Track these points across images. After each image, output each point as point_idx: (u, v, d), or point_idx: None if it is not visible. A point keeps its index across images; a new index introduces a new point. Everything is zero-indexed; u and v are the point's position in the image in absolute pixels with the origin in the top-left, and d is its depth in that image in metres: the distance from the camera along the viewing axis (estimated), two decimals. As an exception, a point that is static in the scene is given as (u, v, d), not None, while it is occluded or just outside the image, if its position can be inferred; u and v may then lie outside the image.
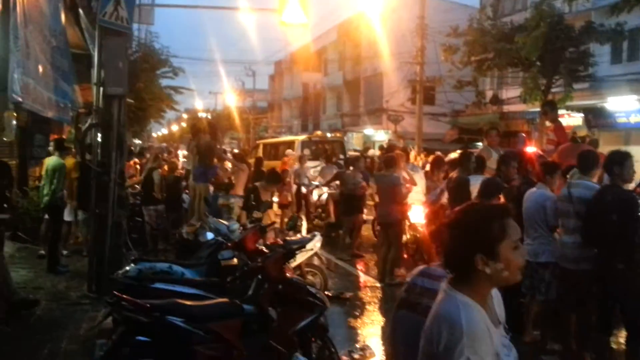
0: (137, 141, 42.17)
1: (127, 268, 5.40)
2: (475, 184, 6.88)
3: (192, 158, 11.07)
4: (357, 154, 17.69)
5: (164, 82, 28.12)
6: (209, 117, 55.51)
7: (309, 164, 15.39)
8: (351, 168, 11.73)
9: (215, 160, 11.13)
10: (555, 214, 5.43)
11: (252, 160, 14.91)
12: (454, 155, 10.21)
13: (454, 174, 7.21)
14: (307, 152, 17.90)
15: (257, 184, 8.54)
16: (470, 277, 1.88)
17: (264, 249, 5.54)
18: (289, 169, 13.67)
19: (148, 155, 12.78)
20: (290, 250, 4.87)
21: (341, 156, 16.76)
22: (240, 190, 11.40)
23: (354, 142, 31.77)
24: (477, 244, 1.85)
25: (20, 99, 4.21)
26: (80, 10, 8.40)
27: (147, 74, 22.58)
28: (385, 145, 16.38)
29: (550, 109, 8.34)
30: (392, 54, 29.87)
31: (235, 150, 24.87)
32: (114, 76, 7.00)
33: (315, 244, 6.92)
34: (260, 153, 19.76)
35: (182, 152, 22.99)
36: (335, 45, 41.21)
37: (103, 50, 7.04)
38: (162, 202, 10.80)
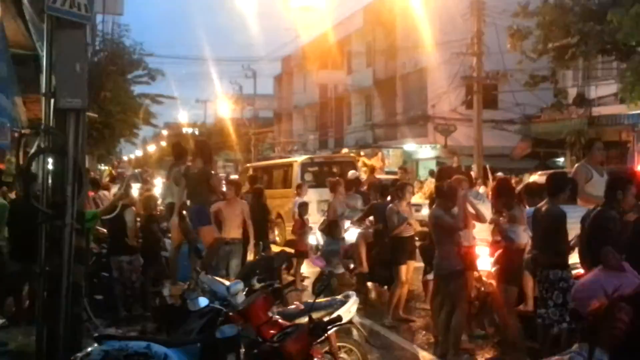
0: (103, 167, 42.49)
1: (89, 350, 5.19)
2: (573, 218, 6.68)
3: (176, 190, 11.00)
4: (395, 177, 17.37)
5: (137, 89, 28.32)
6: (197, 133, 55.61)
7: (311, 192, 15.89)
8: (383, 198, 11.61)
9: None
10: None
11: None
12: (535, 178, 9.86)
13: (542, 206, 6.86)
14: (308, 177, 18.35)
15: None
16: None
17: (280, 320, 5.33)
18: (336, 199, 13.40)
19: (114, 188, 12.62)
20: (318, 326, 4.56)
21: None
22: (235, 232, 11.18)
23: (389, 161, 31.36)
24: None
25: None
26: (24, -3, 8.27)
27: (114, 79, 22.76)
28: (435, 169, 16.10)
29: (672, 112, 8.08)
30: (439, 43, 29.77)
31: (233, 176, 24.72)
32: (70, 84, 6.91)
33: (350, 308, 6.61)
34: (248, 180, 19.96)
35: (160, 180, 22.85)
36: (362, 34, 41.30)
37: (54, 49, 6.92)
38: (136, 251, 10.65)
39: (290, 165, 20.00)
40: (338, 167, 19.57)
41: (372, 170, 19.54)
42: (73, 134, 6.91)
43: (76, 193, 6.97)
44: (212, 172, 11.18)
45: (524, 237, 7.93)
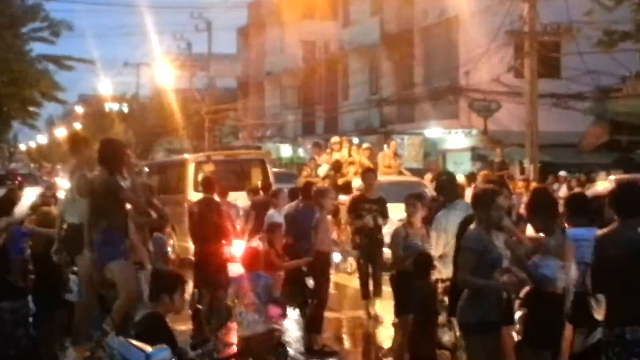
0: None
1: None
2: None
3: (83, 205, 9.23)
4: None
5: (36, 48, 24.96)
6: (125, 110, 50.96)
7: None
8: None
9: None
10: None
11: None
12: (605, 185, 10.11)
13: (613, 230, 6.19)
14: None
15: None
16: None
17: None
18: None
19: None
20: None
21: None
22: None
23: (405, 152, 27.99)
24: None
25: None
26: None
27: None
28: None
29: None
30: (474, -19, 27.11)
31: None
32: None
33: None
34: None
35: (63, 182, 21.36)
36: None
37: None
38: (24, 294, 9.26)
39: (182, 164, 19.40)
40: (244, 167, 19.44)
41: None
42: None
43: None
44: (119, 182, 9.39)
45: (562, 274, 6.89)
